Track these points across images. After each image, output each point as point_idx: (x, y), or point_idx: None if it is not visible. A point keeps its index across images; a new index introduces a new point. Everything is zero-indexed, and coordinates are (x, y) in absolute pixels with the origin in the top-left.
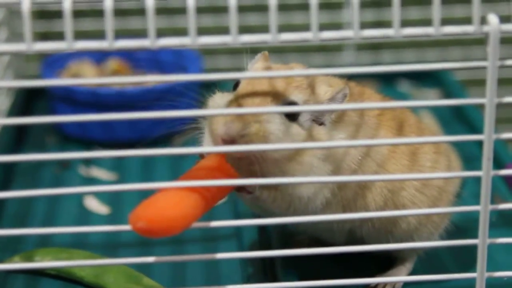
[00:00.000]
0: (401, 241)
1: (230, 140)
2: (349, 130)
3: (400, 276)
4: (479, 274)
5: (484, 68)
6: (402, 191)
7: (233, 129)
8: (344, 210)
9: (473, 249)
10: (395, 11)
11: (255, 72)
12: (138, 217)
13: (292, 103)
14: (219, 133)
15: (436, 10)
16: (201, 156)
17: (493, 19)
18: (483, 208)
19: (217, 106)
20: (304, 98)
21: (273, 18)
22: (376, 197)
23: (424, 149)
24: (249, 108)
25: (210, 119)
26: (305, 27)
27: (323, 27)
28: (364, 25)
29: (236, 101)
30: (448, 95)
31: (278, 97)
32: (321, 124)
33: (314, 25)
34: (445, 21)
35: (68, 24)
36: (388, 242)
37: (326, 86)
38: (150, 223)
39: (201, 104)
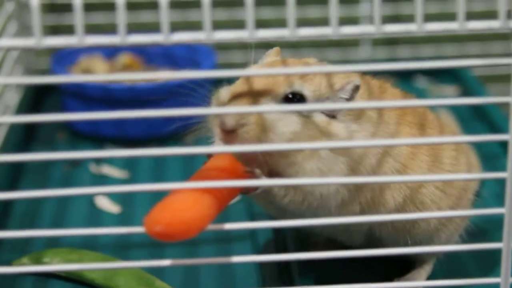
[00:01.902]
0: (421, 242)
1: (230, 130)
2: (367, 125)
3: (420, 279)
4: (503, 279)
5: (505, 65)
6: (422, 188)
7: (230, 118)
8: (362, 208)
9: (495, 252)
10: (418, 6)
11: (265, 68)
12: (154, 221)
13: (296, 93)
14: (218, 123)
15: (461, 5)
16: (209, 155)
17: None
18: (508, 211)
19: (221, 98)
20: (311, 88)
21: (291, 12)
22: (395, 193)
23: (444, 146)
24: (248, 107)
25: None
26: (321, 21)
27: (339, 21)
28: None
29: (236, 92)
30: (466, 92)
31: (281, 87)
32: (332, 117)
33: (333, 20)
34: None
35: (78, 19)
36: (407, 242)
37: (336, 77)
38: (167, 226)
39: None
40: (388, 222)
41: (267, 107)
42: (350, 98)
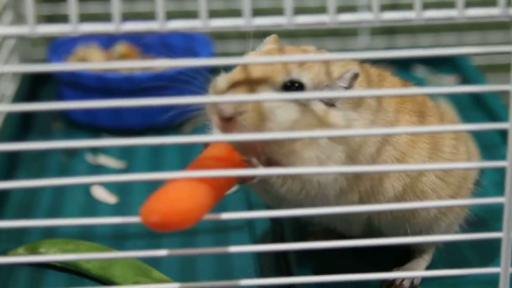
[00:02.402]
0: (420, 231)
1: (228, 118)
2: (366, 113)
3: (419, 269)
4: (503, 269)
5: (504, 53)
6: (422, 177)
7: (228, 106)
8: (361, 197)
9: (495, 241)
10: None
11: (263, 55)
12: (150, 211)
13: (295, 80)
14: (215, 111)
15: None
16: (205, 144)
17: None
18: (507, 200)
19: (219, 87)
20: (309, 76)
21: (289, 0)
22: (395, 182)
23: (444, 134)
24: (246, 95)
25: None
26: (318, 10)
27: (337, 10)
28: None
29: (234, 81)
30: (465, 81)
31: (279, 75)
32: (331, 105)
33: (331, 7)
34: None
35: (73, 7)
36: (406, 232)
37: (335, 65)
38: (164, 216)
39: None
40: (388, 211)
41: (265, 95)
42: (349, 86)
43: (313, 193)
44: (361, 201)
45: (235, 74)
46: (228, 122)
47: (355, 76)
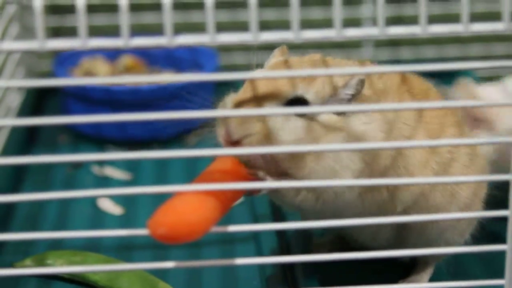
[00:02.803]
0: (429, 242)
1: (235, 142)
2: (378, 116)
3: (423, 281)
4: (508, 281)
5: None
6: (452, 164)
7: (235, 130)
8: (390, 191)
9: (500, 253)
10: (422, 8)
11: (268, 71)
12: (158, 224)
13: (299, 97)
14: (223, 134)
15: (465, 7)
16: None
17: None
18: None
19: (225, 105)
20: (314, 90)
21: (295, 15)
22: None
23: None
24: (252, 110)
25: (218, 122)
26: (323, 23)
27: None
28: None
29: (240, 100)
30: None
31: (283, 93)
32: (341, 113)
33: (337, 22)
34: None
35: (81, 21)
36: (419, 242)
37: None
38: (171, 229)
39: (215, 103)
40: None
41: (271, 110)
42: (355, 93)
43: (331, 200)
44: (392, 196)
45: (240, 94)
46: (234, 145)
47: (361, 82)
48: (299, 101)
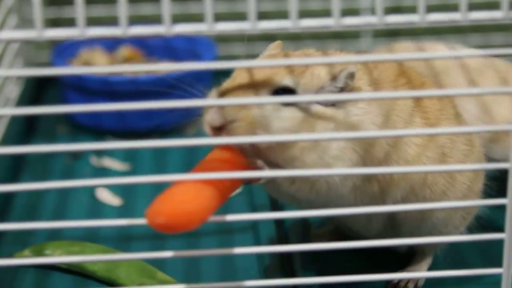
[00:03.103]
0: (435, 229)
1: (219, 128)
2: (364, 105)
3: (422, 270)
4: (506, 270)
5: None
6: (447, 158)
7: (217, 116)
8: (381, 187)
9: (498, 242)
10: None
11: (261, 60)
12: (156, 213)
13: (286, 87)
14: (206, 121)
15: None
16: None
17: None
18: (510, 201)
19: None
20: (300, 81)
21: (293, 3)
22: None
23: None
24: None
25: (204, 110)
26: (322, 13)
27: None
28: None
29: (225, 89)
30: None
31: (268, 83)
32: (330, 105)
33: (335, 11)
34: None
35: (80, 11)
36: (424, 229)
37: (331, 66)
38: (169, 218)
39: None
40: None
41: (253, 99)
42: (345, 86)
43: (324, 191)
44: (382, 191)
45: (228, 82)
46: (219, 132)
47: (351, 75)
48: (287, 91)
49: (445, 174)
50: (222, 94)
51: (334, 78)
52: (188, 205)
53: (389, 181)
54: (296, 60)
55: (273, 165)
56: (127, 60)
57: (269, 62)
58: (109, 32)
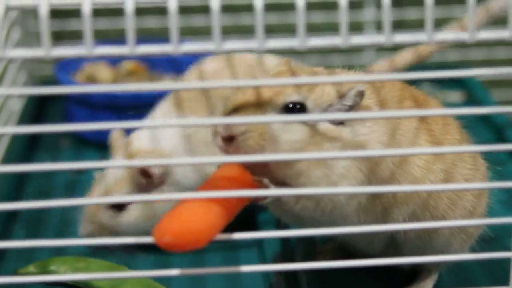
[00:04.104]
0: (436, 249)
1: (228, 137)
2: (376, 127)
3: (427, 287)
4: None
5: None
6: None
7: (226, 127)
8: (384, 208)
9: (504, 260)
10: (428, 15)
11: (268, 79)
12: (163, 231)
13: (297, 103)
14: (217, 130)
15: (471, 15)
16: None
17: None
18: None
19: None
20: (312, 97)
21: (301, 22)
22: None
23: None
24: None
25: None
26: (326, 27)
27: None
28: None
29: (236, 103)
30: (471, 97)
31: (280, 97)
32: (338, 123)
33: (343, 29)
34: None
35: (87, 29)
36: (427, 249)
37: (340, 84)
38: (176, 237)
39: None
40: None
41: (263, 117)
42: (354, 105)
43: (329, 210)
44: (385, 212)
45: (238, 97)
46: (229, 143)
47: (360, 93)
48: (295, 107)
49: (446, 199)
50: (231, 111)
51: (342, 96)
52: (195, 224)
53: (392, 203)
54: (302, 79)
55: (278, 182)
56: (131, 73)
57: (282, 81)
58: (116, 50)
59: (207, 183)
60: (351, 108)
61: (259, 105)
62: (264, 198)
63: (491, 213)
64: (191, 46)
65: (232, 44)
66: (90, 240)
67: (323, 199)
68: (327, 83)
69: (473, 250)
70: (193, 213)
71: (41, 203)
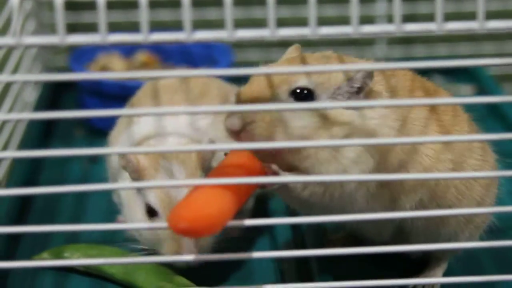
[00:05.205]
0: (446, 238)
1: (238, 130)
2: (381, 109)
3: (437, 276)
4: None
5: None
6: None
7: (236, 119)
8: (392, 196)
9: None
10: (438, 5)
11: (279, 65)
12: (178, 218)
13: (301, 88)
14: (225, 124)
15: (480, 5)
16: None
17: None
18: None
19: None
20: (319, 81)
21: (312, 11)
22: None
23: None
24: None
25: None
26: (337, 20)
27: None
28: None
29: (245, 92)
30: (482, 91)
31: (287, 83)
32: (348, 108)
33: (354, 19)
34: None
35: (102, 17)
36: (436, 237)
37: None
38: (192, 223)
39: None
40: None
41: (270, 105)
42: (362, 87)
43: (337, 194)
44: (393, 200)
45: (245, 87)
46: (239, 134)
47: (369, 74)
48: (303, 93)
49: (454, 188)
50: (241, 98)
51: (350, 78)
52: (209, 210)
53: (399, 190)
54: (312, 66)
55: (287, 167)
56: (144, 65)
57: (286, 69)
58: (130, 38)
59: (217, 170)
60: (359, 90)
61: (267, 91)
62: (273, 184)
63: (500, 204)
64: (203, 35)
65: (244, 33)
66: (102, 225)
67: (332, 184)
68: (336, 70)
69: (482, 239)
70: (207, 200)
71: (55, 189)
